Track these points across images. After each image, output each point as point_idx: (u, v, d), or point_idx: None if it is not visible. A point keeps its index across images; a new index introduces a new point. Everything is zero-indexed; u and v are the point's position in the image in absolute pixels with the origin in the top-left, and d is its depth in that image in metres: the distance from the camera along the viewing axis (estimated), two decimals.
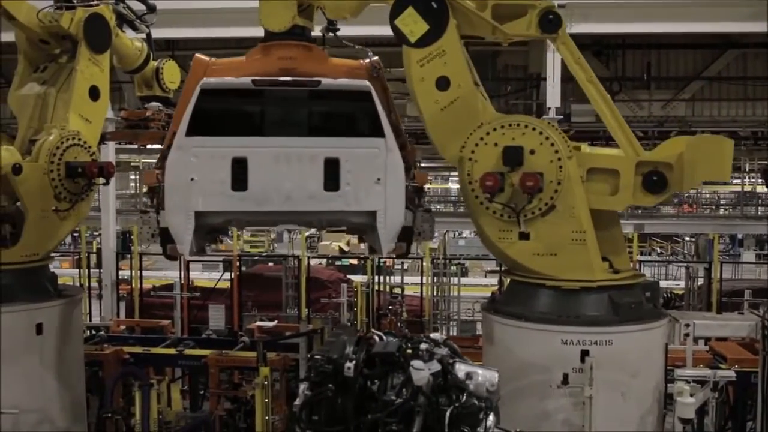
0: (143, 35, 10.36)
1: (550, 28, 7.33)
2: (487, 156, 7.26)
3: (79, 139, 8.80)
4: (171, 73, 11.08)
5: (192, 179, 6.88)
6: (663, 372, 7.63)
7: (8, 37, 10.00)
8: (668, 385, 7.75)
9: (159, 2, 10.17)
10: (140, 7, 9.93)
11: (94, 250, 19.45)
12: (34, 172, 8.44)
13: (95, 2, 9.12)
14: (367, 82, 7.28)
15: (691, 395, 7.62)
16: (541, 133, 7.16)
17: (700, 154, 7.10)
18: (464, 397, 5.45)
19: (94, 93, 9.14)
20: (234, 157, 6.91)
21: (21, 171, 8.28)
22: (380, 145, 7.06)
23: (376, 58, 8.30)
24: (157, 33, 10.75)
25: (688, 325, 8.49)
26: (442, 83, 7.40)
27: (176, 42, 17.76)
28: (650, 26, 14.82)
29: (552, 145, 7.12)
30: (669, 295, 16.71)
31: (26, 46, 9.31)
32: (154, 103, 10.65)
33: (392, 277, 18.66)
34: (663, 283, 23.01)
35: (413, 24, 7.28)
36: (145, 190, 7.95)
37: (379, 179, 7.04)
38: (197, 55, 8.29)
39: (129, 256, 18.32)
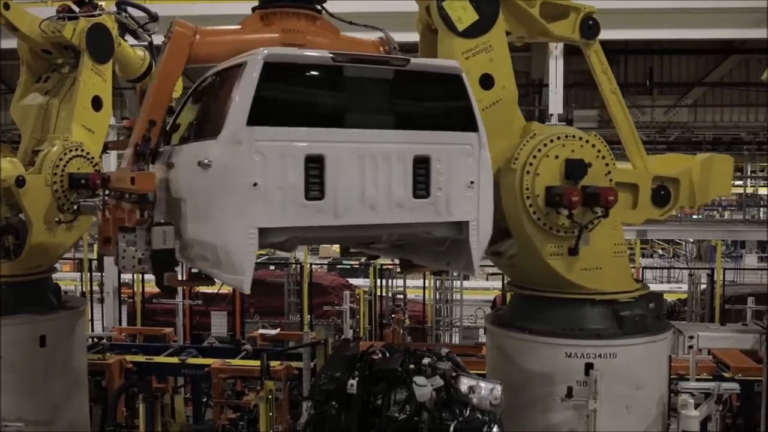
0: (145, 44, 10.36)
1: (589, 34, 7.24)
2: (549, 168, 6.79)
3: (82, 150, 8.79)
4: None
5: (255, 184, 5.07)
6: (667, 384, 7.61)
7: (8, 44, 10.01)
8: (672, 396, 7.74)
9: (160, 10, 10.16)
10: (142, 15, 9.92)
11: (95, 255, 19.45)
12: (37, 183, 8.43)
13: (97, 12, 9.12)
14: (458, 64, 6.05)
15: (696, 406, 7.62)
16: (593, 145, 6.98)
17: (712, 172, 7.29)
18: (467, 411, 5.47)
19: (96, 103, 9.15)
20: (308, 155, 5.25)
21: (24, 183, 8.27)
22: (473, 141, 5.85)
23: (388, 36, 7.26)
24: (159, 40, 10.72)
25: (692, 337, 8.47)
26: (486, 81, 6.88)
27: None
28: (653, 32, 14.84)
29: (603, 158, 7.00)
30: (672, 306, 16.70)
31: (29, 57, 9.32)
32: None
33: (394, 281, 18.63)
34: (665, 287, 23.07)
35: (462, 11, 6.71)
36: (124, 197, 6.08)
37: (472, 182, 5.82)
38: (177, 20, 6.76)
39: None
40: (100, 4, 9.26)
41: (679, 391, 7.99)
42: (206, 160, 5.18)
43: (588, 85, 17.53)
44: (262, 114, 5.11)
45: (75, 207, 8.41)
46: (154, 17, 9.89)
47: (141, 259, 5.78)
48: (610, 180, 6.93)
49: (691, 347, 8.55)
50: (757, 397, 9.08)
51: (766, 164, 27.89)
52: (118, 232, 5.82)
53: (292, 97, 5.45)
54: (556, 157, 6.82)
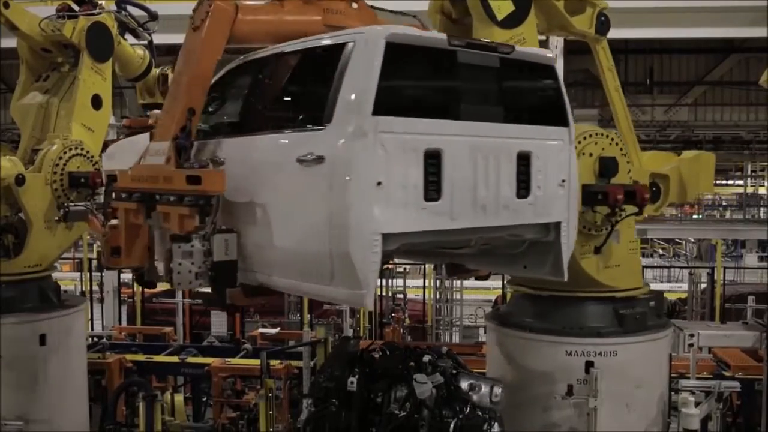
0: (145, 43, 10.36)
1: (602, 30, 7.28)
2: (584, 167, 6.54)
3: (82, 149, 8.79)
4: None
5: (379, 183, 4.43)
6: (667, 382, 7.61)
7: (7, 43, 10.01)
8: (672, 395, 7.74)
9: (160, 8, 10.17)
10: (142, 14, 9.92)
11: (95, 254, 19.45)
12: (37, 182, 8.43)
13: (97, 11, 9.12)
14: (551, 54, 5.72)
15: (697, 404, 7.62)
16: (617, 144, 7.00)
17: (700, 170, 7.47)
18: (468, 408, 5.46)
19: (96, 102, 9.14)
20: (427, 150, 4.69)
21: (24, 181, 8.26)
22: (564, 137, 5.57)
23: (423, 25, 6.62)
24: (158, 39, 10.73)
25: (692, 336, 8.47)
26: None
27: (177, 47, 17.74)
28: (653, 31, 14.84)
29: (624, 155, 7.03)
30: (673, 305, 16.72)
31: (28, 56, 9.32)
32: (156, 111, 10.59)
33: (394, 280, 18.62)
34: (665, 286, 23.06)
35: (500, 0, 6.49)
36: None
37: (563, 181, 5.52)
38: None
39: None
40: (100, 2, 9.26)
41: (679, 389, 8.01)
42: (312, 155, 4.49)
43: (588, 85, 17.57)
44: (384, 102, 4.47)
45: (66, 210, 7.87)
46: (153, 16, 9.92)
47: (198, 274, 4.93)
48: (630, 177, 6.98)
49: (691, 345, 8.56)
50: (758, 395, 9.08)
51: (766, 163, 27.88)
52: (172, 242, 4.93)
53: (413, 83, 4.97)
54: (590, 155, 6.72)
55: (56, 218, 8.57)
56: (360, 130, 4.39)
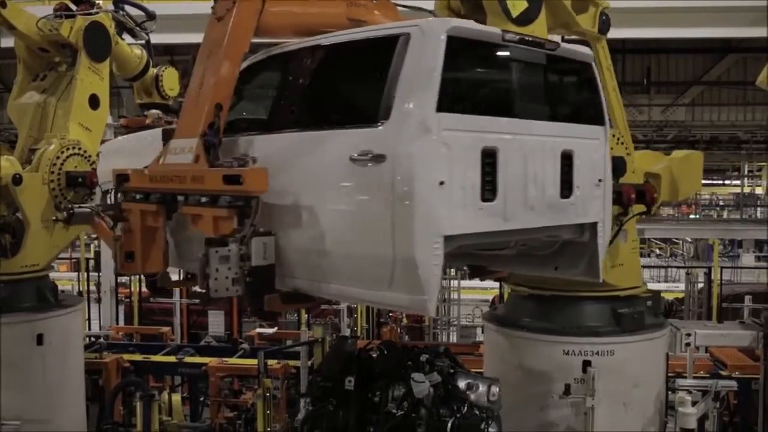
0: (142, 42, 10.35)
1: (603, 29, 7.31)
2: None
3: (80, 149, 8.79)
4: (170, 80, 11.06)
5: (441, 183, 4.27)
6: (664, 382, 7.63)
7: (5, 42, 9.98)
8: (669, 394, 7.76)
9: (158, 7, 10.17)
10: (139, 14, 9.91)
11: (92, 254, 19.45)
12: (35, 182, 8.42)
13: (95, 10, 9.11)
14: (590, 51, 5.60)
15: (693, 404, 7.63)
16: (623, 143, 7.06)
17: (689, 169, 7.52)
18: (465, 408, 5.45)
19: (94, 101, 9.13)
20: (484, 149, 4.55)
21: (21, 181, 8.25)
22: (600, 135, 5.51)
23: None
24: (156, 38, 10.72)
25: (689, 335, 8.50)
26: None
27: (175, 47, 17.75)
28: (650, 31, 14.86)
29: (629, 155, 7.08)
30: (670, 305, 16.75)
31: (26, 55, 9.30)
32: (154, 111, 10.63)
33: None
34: (662, 286, 23.09)
35: None
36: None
37: (600, 180, 5.45)
38: None
39: None
40: (97, 2, 9.25)
41: (676, 388, 8.01)
42: (370, 154, 4.27)
43: None
44: (445, 98, 4.29)
45: (70, 212, 7.60)
46: (151, 16, 9.90)
47: (235, 280, 4.60)
48: (635, 176, 7.05)
49: (688, 345, 8.60)
50: (755, 394, 9.10)
51: (764, 163, 27.93)
52: (208, 246, 4.55)
53: (470, 79, 4.82)
54: None
55: (56, 218, 8.55)
56: (424, 128, 4.21)
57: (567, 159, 5.13)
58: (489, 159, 4.53)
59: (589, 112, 5.49)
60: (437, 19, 4.58)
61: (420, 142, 4.19)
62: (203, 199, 4.75)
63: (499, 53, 4.84)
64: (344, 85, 5.02)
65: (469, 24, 4.72)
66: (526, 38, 4.99)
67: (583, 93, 5.58)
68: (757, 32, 14.24)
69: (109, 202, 6.35)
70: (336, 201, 4.55)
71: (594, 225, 5.46)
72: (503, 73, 4.99)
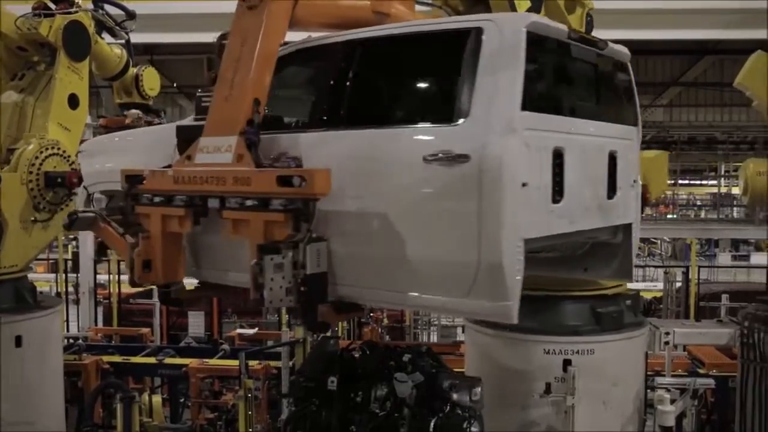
0: (122, 42, 10.29)
1: (588, 30, 7.36)
2: None
3: (59, 149, 8.71)
4: (150, 79, 11.03)
5: (524, 184, 4.11)
6: (643, 380, 7.70)
7: None
8: (648, 392, 7.83)
9: (137, 6, 10.11)
10: (119, 13, 9.85)
11: (70, 255, 19.28)
12: (13, 182, 8.32)
13: (74, 9, 9.03)
14: (627, 51, 5.47)
15: (672, 402, 7.71)
16: None
17: (658, 168, 7.67)
18: (448, 407, 5.47)
19: (73, 101, 9.04)
20: (554, 149, 4.42)
21: None
22: (634, 136, 5.47)
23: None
24: (136, 38, 10.66)
25: (668, 334, 8.58)
26: None
27: (155, 46, 17.66)
28: (628, 33, 14.92)
29: None
30: (649, 304, 16.91)
31: (3, 54, 9.18)
32: (133, 111, 10.60)
33: None
34: (641, 285, 23.26)
35: None
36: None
37: (635, 181, 5.41)
38: None
39: (106, 260, 18.17)
40: (76, 1, 9.16)
41: (655, 386, 8.09)
42: (449, 154, 4.07)
43: None
44: (527, 97, 4.13)
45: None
46: (131, 15, 9.84)
47: (288, 289, 4.29)
48: None
49: (667, 343, 8.68)
50: (732, 392, 9.20)
51: (740, 164, 28.24)
52: (261, 254, 4.24)
53: (543, 77, 4.64)
54: None
55: (32, 218, 8.46)
56: (510, 127, 4.03)
57: (612, 160, 5.08)
58: (557, 159, 4.43)
59: (627, 112, 5.47)
60: (512, 14, 4.52)
61: (507, 141, 4.01)
62: (249, 203, 4.45)
63: (564, 51, 4.74)
64: (407, 80, 4.80)
65: (544, 19, 4.55)
66: (586, 37, 4.91)
67: (623, 93, 5.54)
68: (733, 34, 14.43)
69: (92, 203, 6.22)
70: (405, 203, 4.29)
71: (628, 226, 5.42)
72: (567, 72, 4.93)
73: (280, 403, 9.72)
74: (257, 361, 10.26)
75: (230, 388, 11.18)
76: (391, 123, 4.54)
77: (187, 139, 5.02)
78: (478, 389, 5.58)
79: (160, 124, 10.56)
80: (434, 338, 17.41)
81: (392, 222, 4.30)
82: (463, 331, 13.25)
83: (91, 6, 9.25)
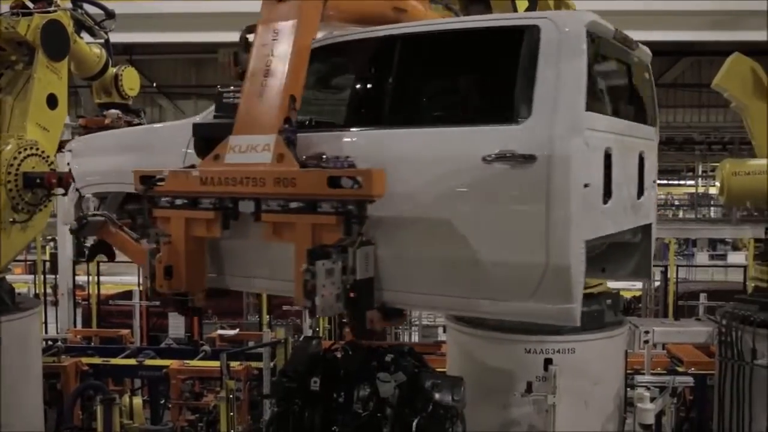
0: (101, 41, 10.21)
1: None
2: None
3: (37, 149, 8.64)
4: (130, 79, 10.96)
5: (586, 185, 4.07)
6: (624, 379, 7.77)
7: None
8: (628, 390, 7.90)
9: (117, 6, 10.05)
10: (98, 12, 9.78)
11: (47, 256, 19.12)
12: None
13: (53, 8, 8.96)
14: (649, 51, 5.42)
15: (652, 400, 7.78)
16: None
17: None
18: (430, 407, 5.48)
19: (52, 101, 8.96)
20: (606, 149, 4.40)
21: None
22: (653, 136, 5.44)
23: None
24: (115, 37, 10.59)
25: (647, 332, 8.65)
26: None
27: (134, 46, 17.54)
28: None
29: None
30: (628, 303, 17.03)
31: None
32: (113, 111, 10.53)
33: None
34: (620, 284, 23.40)
35: None
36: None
37: (654, 181, 5.35)
38: None
39: (84, 261, 18.04)
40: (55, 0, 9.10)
41: (635, 385, 8.16)
42: (513, 154, 3.98)
43: None
44: (587, 97, 4.09)
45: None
46: (110, 14, 9.79)
47: (338, 295, 4.11)
48: None
49: (646, 342, 8.74)
50: (710, 390, 9.30)
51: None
52: (313, 259, 4.01)
53: (598, 77, 4.53)
54: None
55: (11, 219, 8.37)
56: (576, 127, 3.97)
57: (641, 160, 5.06)
58: (607, 160, 4.39)
59: (648, 113, 5.47)
60: (567, 12, 4.47)
61: (574, 142, 3.96)
62: (293, 205, 4.25)
63: (610, 51, 4.72)
64: (460, 78, 4.71)
65: (599, 18, 4.42)
66: (625, 36, 4.84)
67: (646, 93, 5.53)
68: (711, 36, 14.57)
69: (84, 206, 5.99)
70: (463, 204, 4.16)
71: (648, 226, 5.40)
72: (613, 72, 4.92)
73: (262, 404, 9.70)
74: (238, 362, 10.23)
75: (211, 390, 11.14)
76: (441, 122, 4.48)
77: (206, 137, 4.81)
78: (461, 389, 5.60)
79: (140, 124, 10.50)
80: (416, 338, 17.41)
81: (447, 224, 4.19)
82: (444, 331, 13.28)
83: (69, 5, 9.18)
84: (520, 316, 4.39)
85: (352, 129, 4.68)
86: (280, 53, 4.54)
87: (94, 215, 6.10)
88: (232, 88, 4.95)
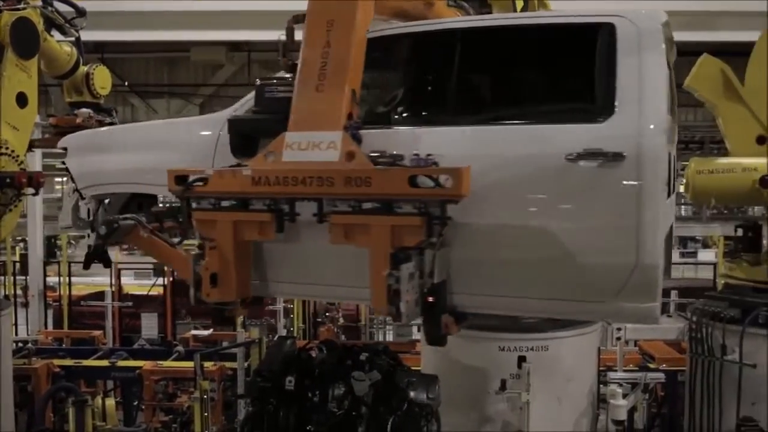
0: (72, 39, 10.10)
1: None
2: None
3: (7, 148, 8.53)
4: (102, 78, 10.83)
5: (666, 184, 4.22)
6: (596, 375, 7.83)
7: None
8: (601, 387, 7.97)
9: (88, 4, 9.94)
10: (69, 10, 9.68)
11: (18, 257, 18.89)
12: None
13: (22, 6, 8.85)
14: None
15: (624, 396, 7.86)
16: None
17: None
18: (406, 405, 5.51)
19: (21, 100, 8.85)
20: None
21: None
22: (676, 135, 5.50)
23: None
24: (86, 35, 10.47)
25: (619, 329, 8.74)
26: None
27: (105, 44, 17.37)
28: None
29: None
30: None
31: None
32: (84, 110, 10.38)
33: None
34: None
35: None
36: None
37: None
38: None
39: (56, 262, 17.84)
40: None
41: (607, 381, 8.23)
42: (600, 152, 3.93)
43: None
44: None
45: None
46: (81, 12, 9.68)
47: (417, 300, 3.96)
48: None
49: (619, 339, 8.83)
50: (681, 386, 9.41)
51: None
52: (396, 263, 3.83)
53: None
54: None
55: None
56: (661, 126, 3.98)
57: (669, 158, 5.04)
58: (669, 158, 4.36)
59: (674, 112, 5.41)
60: (642, 11, 4.28)
61: (660, 140, 3.98)
62: (367, 206, 4.04)
63: (669, 50, 4.63)
64: (534, 75, 4.64)
65: (666, 17, 4.41)
66: (672, 37, 4.87)
67: (673, 93, 5.49)
68: (684, 36, 14.67)
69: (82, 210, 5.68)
70: (545, 204, 4.12)
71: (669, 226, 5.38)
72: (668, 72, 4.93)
73: (236, 404, 9.66)
74: (212, 363, 10.18)
75: (185, 390, 11.07)
76: (518, 119, 4.40)
77: (244, 134, 4.62)
78: (435, 387, 5.63)
79: (111, 123, 10.38)
80: (390, 337, 17.43)
81: (527, 224, 4.12)
82: (418, 330, 13.31)
83: (39, 2, 9.06)
84: (603, 317, 4.50)
85: (425, 126, 4.52)
86: (338, 46, 4.33)
87: (125, 218, 5.63)
88: (275, 81, 4.68)
